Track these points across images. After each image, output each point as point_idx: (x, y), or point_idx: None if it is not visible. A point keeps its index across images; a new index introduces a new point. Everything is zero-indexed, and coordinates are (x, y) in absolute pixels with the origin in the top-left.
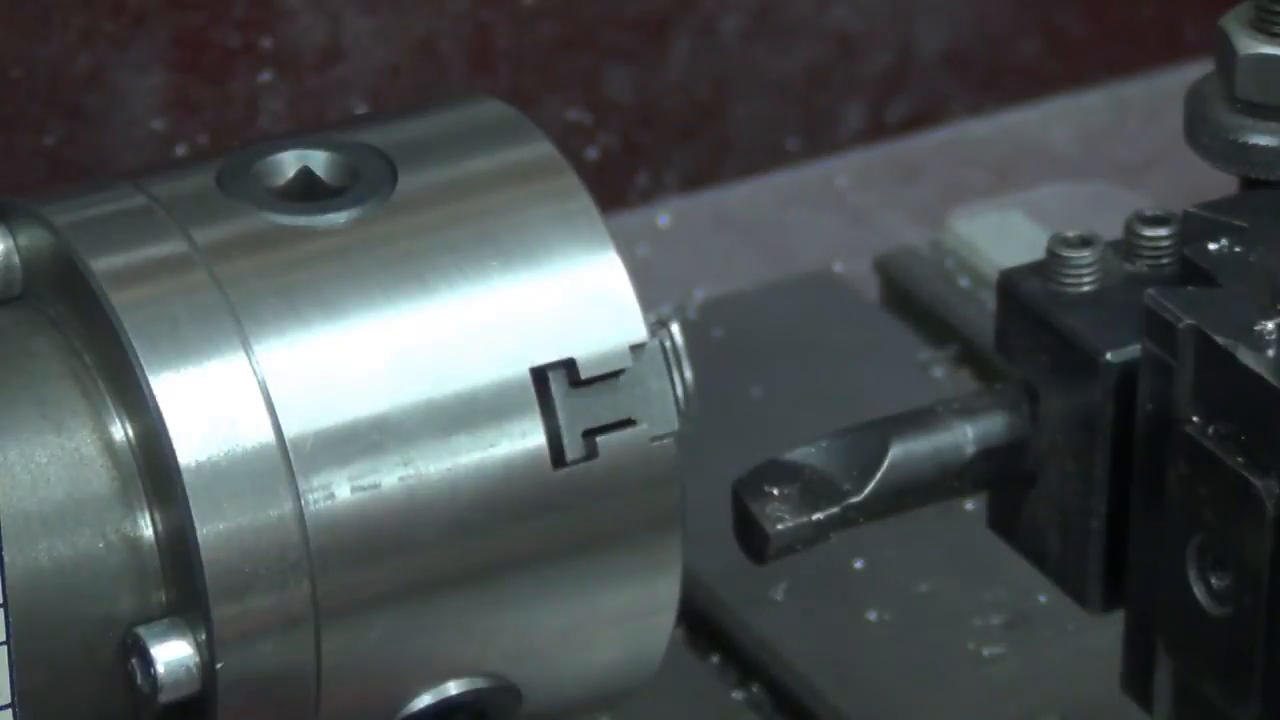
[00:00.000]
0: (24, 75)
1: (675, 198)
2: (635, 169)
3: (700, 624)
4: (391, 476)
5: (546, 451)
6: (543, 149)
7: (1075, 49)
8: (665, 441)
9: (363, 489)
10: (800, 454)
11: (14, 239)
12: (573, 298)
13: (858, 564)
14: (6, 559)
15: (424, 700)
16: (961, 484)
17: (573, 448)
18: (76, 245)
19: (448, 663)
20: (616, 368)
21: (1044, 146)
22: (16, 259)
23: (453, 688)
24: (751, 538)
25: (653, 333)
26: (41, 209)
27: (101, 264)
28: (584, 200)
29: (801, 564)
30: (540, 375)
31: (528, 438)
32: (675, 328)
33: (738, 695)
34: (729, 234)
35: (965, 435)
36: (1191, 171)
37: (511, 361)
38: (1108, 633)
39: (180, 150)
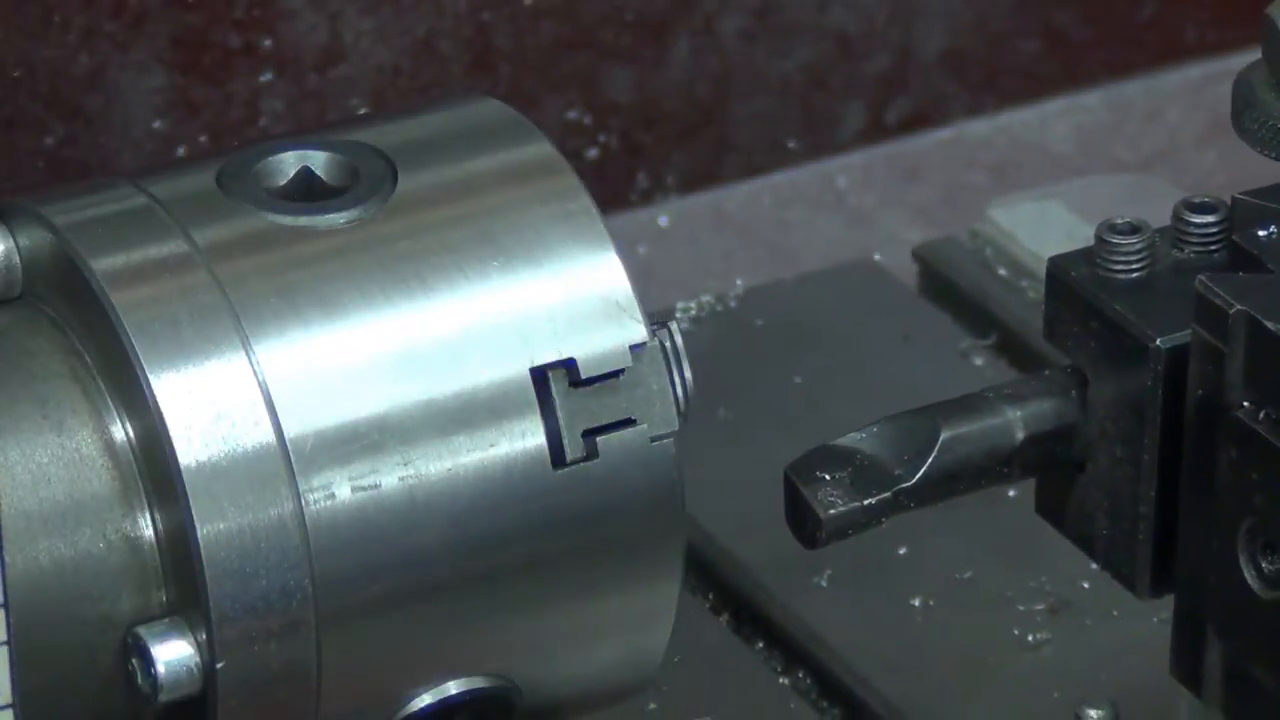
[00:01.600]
0: (24, 75)
1: (675, 198)
2: (635, 169)
3: (746, 611)
4: (391, 476)
5: (546, 451)
6: (543, 149)
7: (1075, 49)
8: (665, 441)
9: (363, 489)
10: (851, 440)
11: (14, 239)
12: (573, 298)
13: (901, 551)
14: (6, 559)
15: (424, 700)
16: (1011, 469)
17: (573, 448)
18: (77, 245)
19: (447, 663)
20: (616, 368)
21: (1044, 146)
22: (17, 259)
23: (452, 688)
24: (804, 522)
25: (653, 333)
26: (41, 209)
27: (102, 264)
28: (584, 200)
29: (845, 551)
30: (540, 375)
31: (528, 438)
32: (675, 327)
33: (784, 681)
34: (729, 234)
35: (1015, 421)
36: (1191, 171)
37: (511, 361)
38: (1151, 619)
39: (180, 150)
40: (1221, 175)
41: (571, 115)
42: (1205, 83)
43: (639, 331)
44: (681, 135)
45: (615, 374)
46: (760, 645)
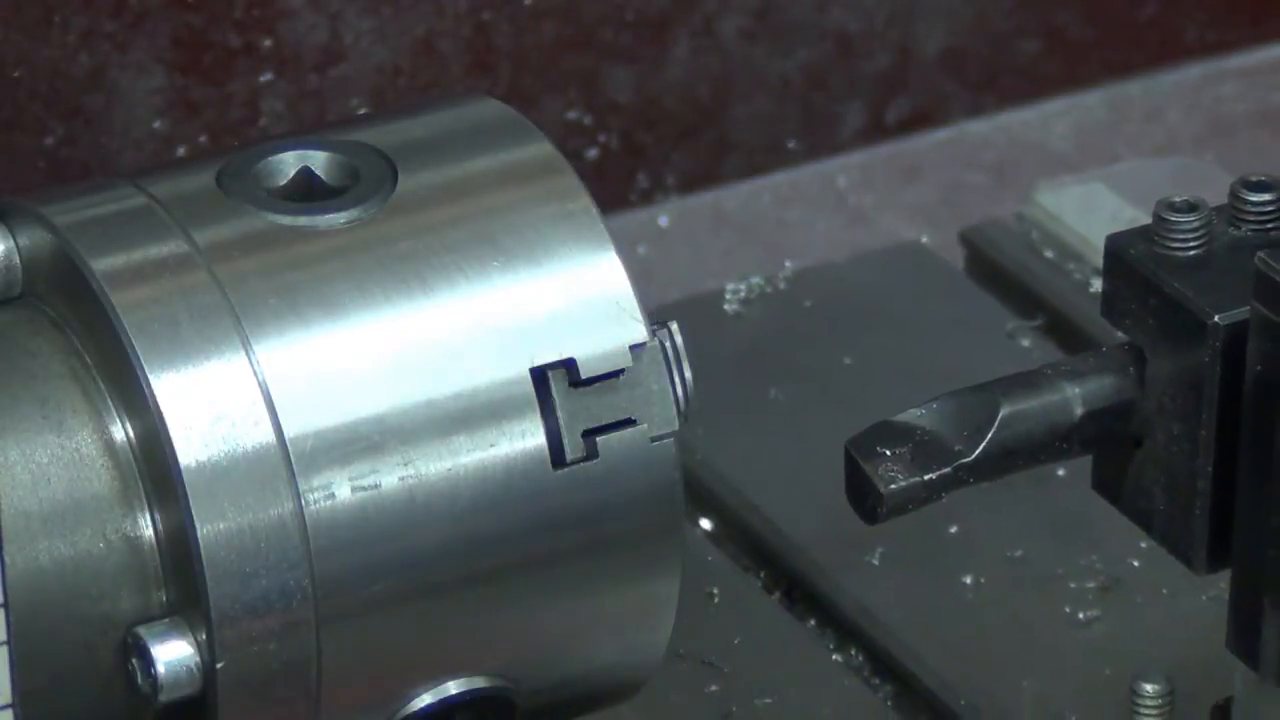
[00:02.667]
0: (24, 75)
1: (675, 198)
2: (635, 169)
3: (799, 588)
4: (391, 476)
5: (546, 451)
6: (543, 149)
7: (1075, 49)
8: (665, 441)
9: (363, 489)
10: (912, 415)
11: (14, 239)
12: (573, 298)
13: (952, 530)
14: (6, 559)
15: (424, 700)
16: (1069, 445)
17: (573, 448)
18: (77, 245)
19: (447, 663)
20: (616, 368)
21: (1044, 146)
22: (17, 259)
23: (452, 688)
24: (865, 498)
25: (653, 333)
26: (41, 209)
27: (102, 264)
28: (584, 200)
29: (897, 530)
30: (540, 375)
31: (527, 438)
32: (675, 327)
33: (836, 658)
34: (729, 234)
35: (1074, 397)
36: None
37: (511, 361)
38: (1201, 597)
39: (180, 150)
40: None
41: (571, 115)
42: (1205, 83)
43: (639, 331)
44: (681, 135)
45: (615, 374)
46: (812, 623)
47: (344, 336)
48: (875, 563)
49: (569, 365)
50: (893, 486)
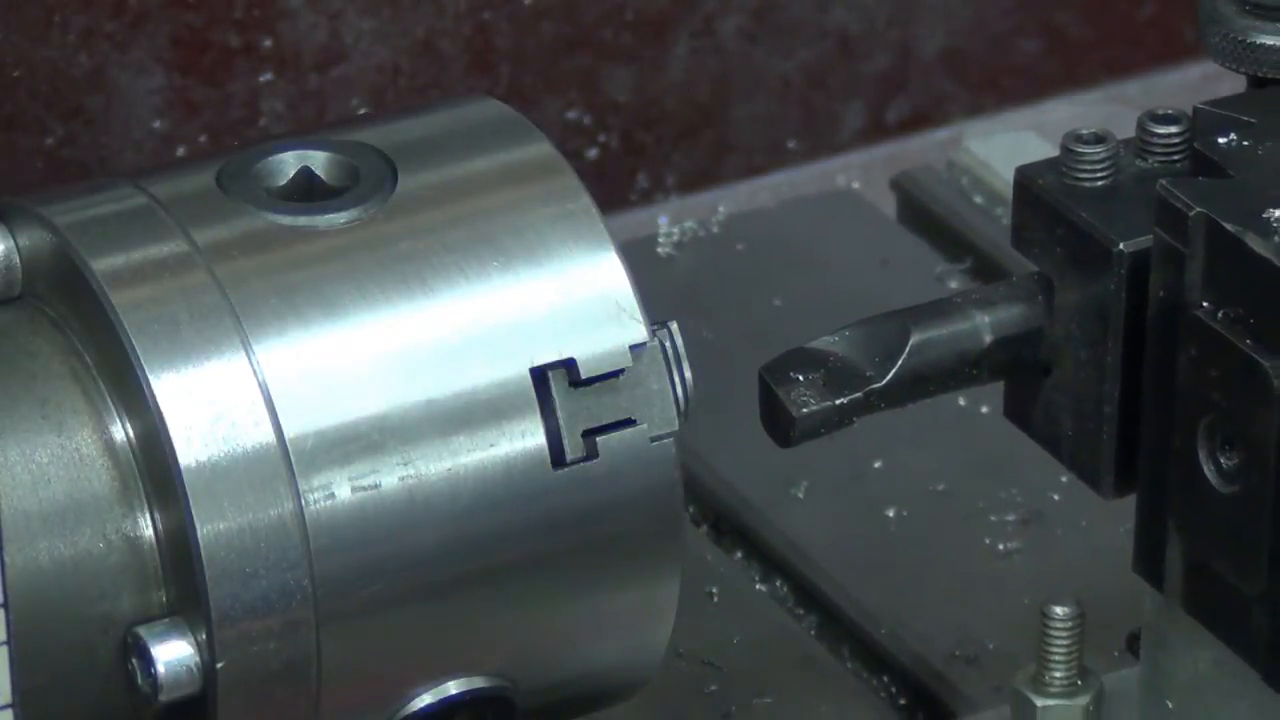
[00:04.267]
0: (24, 75)
1: (675, 198)
2: (635, 169)
3: (726, 522)
4: (391, 476)
5: (546, 451)
6: (543, 149)
7: (1075, 49)
8: (665, 441)
9: (363, 489)
10: (824, 342)
11: (14, 239)
12: (573, 298)
13: (877, 464)
14: (6, 559)
15: (424, 700)
16: (979, 372)
17: (572, 448)
18: (77, 245)
19: (448, 663)
20: (616, 368)
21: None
22: (17, 259)
23: (453, 688)
24: (777, 422)
25: (653, 333)
26: (41, 209)
27: (102, 264)
28: (584, 200)
29: (822, 464)
30: (540, 375)
31: (527, 438)
32: (675, 327)
33: (761, 589)
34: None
35: (983, 324)
36: None
37: (511, 361)
38: (1119, 529)
39: (180, 150)
40: None
41: (571, 115)
42: (1205, 83)
43: (639, 331)
44: (681, 135)
45: (615, 374)
46: (739, 555)
47: (344, 336)
48: (801, 496)
49: (569, 365)
50: (804, 410)
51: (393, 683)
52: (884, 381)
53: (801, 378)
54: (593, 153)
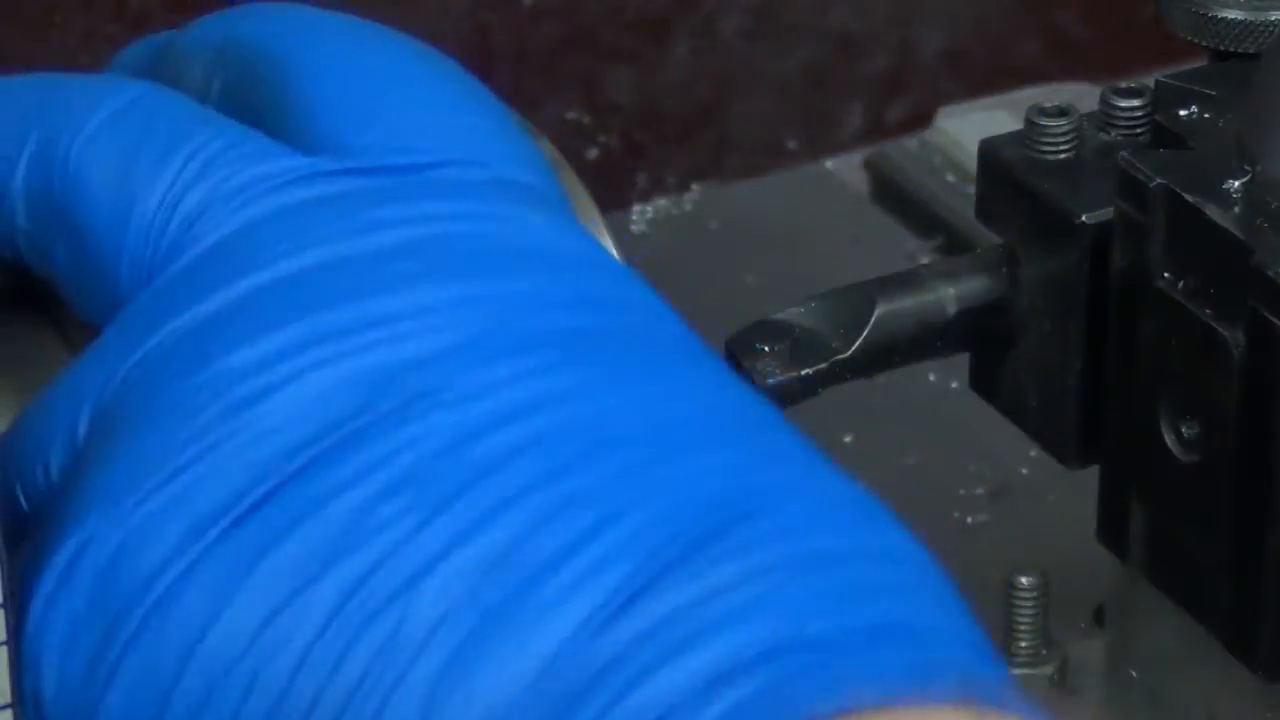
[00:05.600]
0: None
1: (675, 197)
2: (635, 169)
3: None
4: None
5: None
6: (543, 149)
7: (1075, 49)
8: None
9: None
10: (790, 314)
11: None
12: None
13: (846, 439)
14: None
15: None
16: (944, 343)
17: None
18: None
19: None
20: None
21: None
22: None
23: None
24: None
25: None
26: None
27: None
28: (584, 200)
29: None
30: None
31: None
32: None
33: None
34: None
35: (948, 296)
36: None
37: None
38: (1087, 502)
39: None
40: None
41: (571, 115)
42: None
43: None
44: (681, 135)
45: None
46: None
47: None
48: None
49: None
50: (770, 381)
51: None
52: (849, 352)
53: (767, 349)
54: (593, 153)
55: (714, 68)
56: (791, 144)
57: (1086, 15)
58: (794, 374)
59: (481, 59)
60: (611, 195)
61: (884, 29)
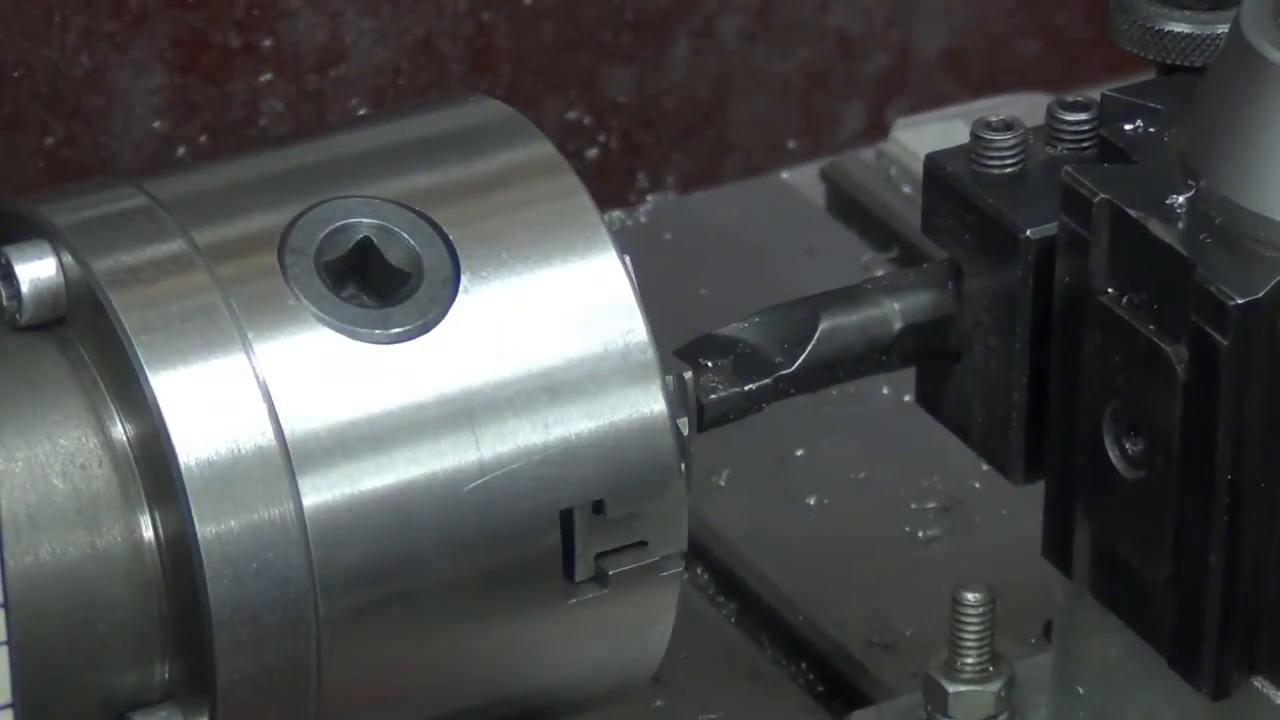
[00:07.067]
0: (24, 75)
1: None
2: (635, 169)
3: None
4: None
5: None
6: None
7: (1075, 49)
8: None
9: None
10: (734, 329)
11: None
12: (610, 434)
13: (798, 452)
14: (7, 559)
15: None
16: (889, 358)
17: None
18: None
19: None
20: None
21: None
22: (62, 279)
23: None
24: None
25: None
26: (41, 209)
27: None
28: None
29: (743, 452)
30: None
31: None
32: (684, 420)
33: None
34: None
35: (892, 311)
36: None
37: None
38: (1038, 517)
39: (180, 150)
40: None
41: (571, 115)
42: None
43: (671, 469)
44: (681, 135)
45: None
46: None
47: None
48: (721, 484)
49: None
50: (713, 396)
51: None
52: (793, 368)
53: (710, 364)
54: (593, 153)
55: (714, 68)
56: (791, 144)
57: (1086, 15)
58: (737, 389)
59: (481, 59)
60: (612, 195)
61: (884, 29)
